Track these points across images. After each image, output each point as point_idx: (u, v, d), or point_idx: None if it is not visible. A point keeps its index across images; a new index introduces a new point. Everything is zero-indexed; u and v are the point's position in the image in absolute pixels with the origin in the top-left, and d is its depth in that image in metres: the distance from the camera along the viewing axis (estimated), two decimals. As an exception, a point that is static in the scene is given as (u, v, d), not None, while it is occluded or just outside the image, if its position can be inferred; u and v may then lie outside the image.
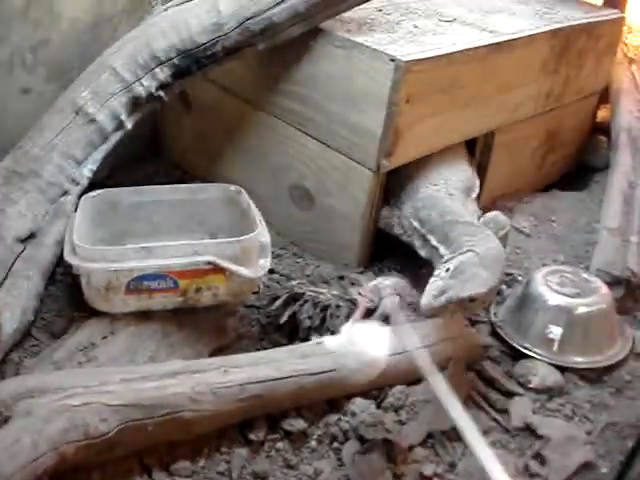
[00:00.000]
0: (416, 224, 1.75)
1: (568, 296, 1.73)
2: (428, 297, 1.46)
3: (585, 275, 1.82)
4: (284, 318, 1.63)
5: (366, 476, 1.37)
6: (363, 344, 1.29)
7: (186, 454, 1.35)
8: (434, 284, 1.49)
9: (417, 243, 1.77)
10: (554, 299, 1.72)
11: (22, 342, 1.55)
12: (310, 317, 1.62)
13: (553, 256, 2.06)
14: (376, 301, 1.69)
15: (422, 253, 1.75)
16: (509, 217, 2.15)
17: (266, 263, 1.58)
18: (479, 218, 1.79)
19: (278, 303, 1.64)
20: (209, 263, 1.51)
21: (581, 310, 1.71)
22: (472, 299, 1.46)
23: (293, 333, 1.66)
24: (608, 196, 2.17)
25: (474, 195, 1.90)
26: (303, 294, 1.65)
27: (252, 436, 1.40)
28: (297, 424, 1.43)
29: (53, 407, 1.19)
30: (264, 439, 1.41)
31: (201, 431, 1.35)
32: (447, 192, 1.79)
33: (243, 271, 1.52)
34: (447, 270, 1.51)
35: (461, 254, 1.56)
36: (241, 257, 1.54)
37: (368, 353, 1.30)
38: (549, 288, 1.75)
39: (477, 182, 1.96)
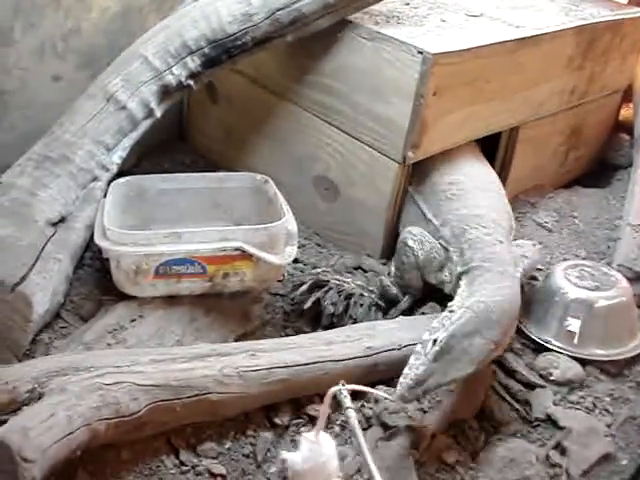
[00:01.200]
0: (459, 268, 1.64)
1: (588, 289, 1.74)
2: (404, 388, 1.35)
3: (605, 269, 1.83)
4: (308, 304, 1.66)
5: (389, 462, 1.38)
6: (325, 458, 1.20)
7: (213, 436, 1.38)
8: (412, 370, 1.36)
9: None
10: (574, 292, 1.74)
11: (51, 324, 1.58)
12: (334, 304, 1.65)
13: (575, 251, 2.07)
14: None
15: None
16: (531, 212, 2.19)
17: (292, 250, 1.61)
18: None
19: (303, 289, 1.67)
20: (237, 249, 1.54)
21: (601, 303, 1.72)
22: (459, 379, 1.41)
23: (316, 320, 1.68)
24: (631, 193, 2.18)
25: (512, 237, 1.79)
26: (327, 281, 1.67)
27: (277, 420, 1.43)
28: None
29: (86, 385, 1.22)
30: (289, 423, 1.43)
31: (228, 413, 1.38)
32: (497, 239, 1.66)
33: (270, 258, 1.55)
34: (434, 343, 1.38)
35: (462, 309, 1.45)
36: (268, 244, 1.56)
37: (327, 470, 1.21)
38: (569, 281, 1.76)
39: (513, 223, 1.84)
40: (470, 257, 1.62)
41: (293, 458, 1.23)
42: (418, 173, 1.86)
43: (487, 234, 1.66)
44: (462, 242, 1.67)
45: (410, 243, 1.72)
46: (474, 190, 1.80)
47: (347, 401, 1.25)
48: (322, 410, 1.20)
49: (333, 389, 1.20)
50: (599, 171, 2.54)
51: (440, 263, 1.70)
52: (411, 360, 1.38)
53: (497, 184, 1.90)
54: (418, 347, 1.40)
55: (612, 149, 2.56)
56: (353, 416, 1.24)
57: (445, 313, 1.47)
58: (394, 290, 1.73)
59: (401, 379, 1.36)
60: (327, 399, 1.19)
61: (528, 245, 1.81)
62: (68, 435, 1.11)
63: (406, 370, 1.37)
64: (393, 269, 1.78)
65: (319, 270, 1.73)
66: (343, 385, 1.24)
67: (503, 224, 1.73)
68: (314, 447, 1.21)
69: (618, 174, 2.49)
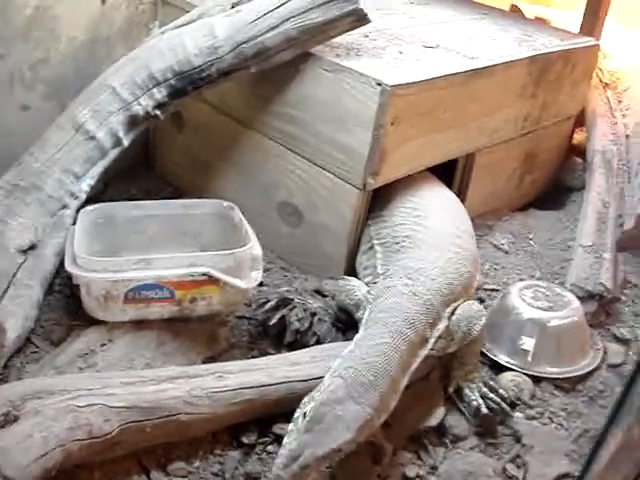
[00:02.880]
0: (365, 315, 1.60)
1: (541, 309, 1.83)
2: (278, 468, 1.27)
3: (558, 290, 1.92)
4: (274, 320, 1.70)
5: (352, 478, 1.44)
6: None
7: (182, 456, 1.43)
8: (284, 447, 1.30)
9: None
10: (528, 312, 1.82)
11: (23, 349, 1.62)
12: (300, 320, 1.70)
13: (530, 272, 2.15)
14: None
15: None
16: (488, 234, 2.27)
17: (258, 275, 1.67)
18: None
19: (270, 304, 1.73)
20: (204, 274, 1.59)
21: (554, 323, 1.81)
22: (338, 450, 1.30)
23: (280, 339, 1.73)
24: (583, 215, 2.27)
25: (461, 300, 1.67)
26: (292, 299, 1.73)
27: (244, 439, 1.48)
28: (287, 428, 1.49)
29: (60, 407, 1.26)
30: (256, 442, 1.48)
31: (197, 433, 1.43)
32: (412, 291, 1.59)
33: (236, 282, 1.61)
34: (304, 416, 1.33)
35: (331, 377, 1.39)
36: (234, 269, 1.62)
37: None
38: (523, 302, 1.84)
39: (473, 283, 1.78)
40: (374, 306, 1.59)
41: None
42: (378, 202, 1.92)
43: (405, 285, 1.61)
44: (379, 291, 1.63)
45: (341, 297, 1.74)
46: (428, 239, 1.75)
47: None
48: None
49: None
50: (554, 194, 2.63)
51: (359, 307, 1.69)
52: (284, 440, 1.32)
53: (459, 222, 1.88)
54: (290, 425, 1.34)
55: (566, 172, 2.65)
56: None
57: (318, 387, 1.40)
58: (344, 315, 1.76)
59: (276, 459, 1.30)
60: None
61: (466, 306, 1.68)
62: (44, 455, 1.16)
63: (280, 450, 1.31)
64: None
65: (284, 289, 1.79)
66: None
67: (438, 279, 1.64)
68: None
69: (572, 196, 2.57)
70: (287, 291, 1.79)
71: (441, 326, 1.61)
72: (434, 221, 1.83)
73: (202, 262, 1.59)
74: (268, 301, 1.75)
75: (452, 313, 1.64)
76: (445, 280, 1.65)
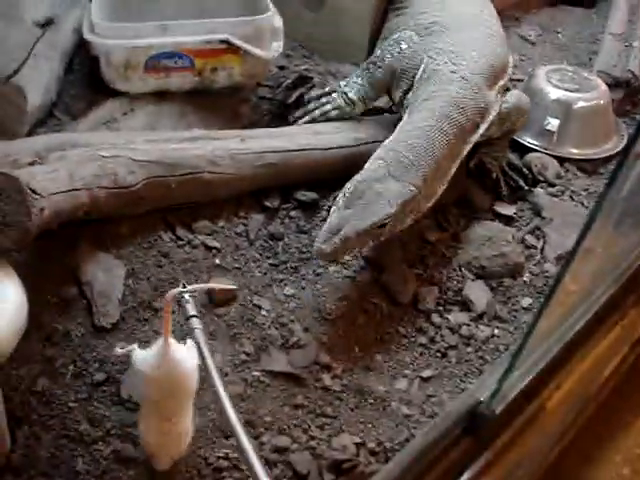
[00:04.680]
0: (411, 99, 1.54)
1: (568, 91, 1.80)
2: (318, 241, 1.27)
3: (585, 74, 1.88)
4: (292, 98, 1.67)
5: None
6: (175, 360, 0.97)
7: (207, 215, 1.44)
8: (326, 224, 1.29)
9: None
10: (554, 93, 1.79)
11: (46, 121, 1.60)
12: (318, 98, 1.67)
13: (557, 63, 2.09)
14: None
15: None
16: (515, 26, 2.21)
17: (279, 46, 1.63)
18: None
19: (287, 82, 1.70)
20: (224, 41, 1.56)
21: (580, 104, 1.78)
22: (381, 225, 1.29)
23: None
24: (615, 5, 2.20)
25: (502, 82, 1.62)
26: (312, 78, 1.70)
27: (268, 203, 1.50)
28: (310, 195, 1.51)
29: (84, 156, 1.27)
30: (279, 207, 1.50)
31: (220, 194, 1.44)
32: (462, 75, 1.51)
33: (257, 51, 1.57)
34: (345, 195, 1.32)
35: (371, 160, 1.37)
36: (255, 38, 1.58)
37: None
38: (550, 83, 1.81)
39: (509, 64, 1.69)
40: (418, 92, 1.53)
41: (144, 357, 0.99)
42: None
43: (453, 71, 1.52)
44: (424, 74, 1.55)
45: (403, 45, 1.63)
46: (460, 24, 1.67)
47: (190, 307, 1.02)
48: (165, 315, 0.96)
49: (174, 291, 0.97)
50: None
51: (409, 84, 1.59)
52: (327, 219, 1.31)
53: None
54: (332, 208, 1.33)
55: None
56: (197, 326, 1.01)
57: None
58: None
59: (317, 235, 1.30)
60: (168, 302, 0.95)
61: (514, 94, 1.66)
62: (70, 191, 1.17)
63: (322, 228, 1.31)
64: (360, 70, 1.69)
65: (302, 68, 1.76)
66: (185, 287, 1.00)
67: (480, 60, 1.55)
68: (170, 355, 0.97)
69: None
70: (305, 70, 1.76)
71: (493, 112, 1.54)
72: (457, 4, 1.75)
73: (222, 29, 1.56)
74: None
75: (501, 98, 1.58)
76: (487, 61, 1.57)
